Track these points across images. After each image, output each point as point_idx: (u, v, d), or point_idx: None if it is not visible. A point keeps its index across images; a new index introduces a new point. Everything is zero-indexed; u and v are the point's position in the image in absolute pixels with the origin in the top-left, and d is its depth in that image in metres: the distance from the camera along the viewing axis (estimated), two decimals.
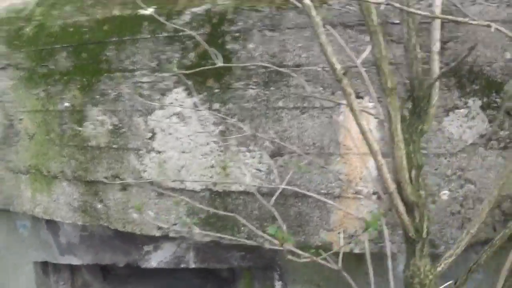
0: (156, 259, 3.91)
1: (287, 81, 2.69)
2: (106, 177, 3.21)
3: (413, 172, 1.77)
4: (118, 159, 3.19)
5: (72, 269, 4.65)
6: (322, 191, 2.64)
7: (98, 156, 3.26)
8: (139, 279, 5.03)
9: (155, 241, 3.87)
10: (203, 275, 4.94)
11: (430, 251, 2.67)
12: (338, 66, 1.70)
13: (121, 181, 3.13)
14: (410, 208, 1.79)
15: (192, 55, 2.87)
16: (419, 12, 1.71)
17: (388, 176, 1.75)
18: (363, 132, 1.72)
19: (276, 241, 2.17)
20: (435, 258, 2.71)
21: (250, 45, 2.78)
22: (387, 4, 1.57)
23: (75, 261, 4.07)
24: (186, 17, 2.98)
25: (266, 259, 3.74)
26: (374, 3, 1.64)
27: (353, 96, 1.72)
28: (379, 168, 1.75)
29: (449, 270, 2.19)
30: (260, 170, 2.81)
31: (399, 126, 1.68)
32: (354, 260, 2.69)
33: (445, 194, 2.61)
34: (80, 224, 3.47)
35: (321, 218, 2.75)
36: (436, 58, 1.89)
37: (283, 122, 2.72)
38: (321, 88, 2.62)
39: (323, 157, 2.64)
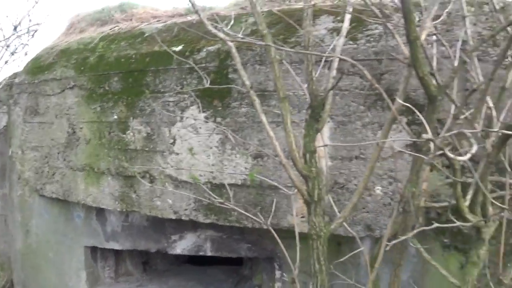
0: (181, 246, 5.24)
1: (268, 102, 3.97)
2: (139, 173, 4.57)
3: (308, 155, 2.99)
4: (149, 159, 4.56)
5: (117, 258, 6.04)
6: (289, 184, 3.84)
7: (134, 157, 4.66)
8: (174, 274, 6.33)
9: (180, 231, 5.21)
10: (228, 273, 6.16)
11: (368, 233, 3.83)
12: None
13: (150, 176, 4.48)
14: (305, 179, 3.01)
15: (205, 82, 4.21)
16: (314, 53, 2.96)
17: (282, 155, 2.99)
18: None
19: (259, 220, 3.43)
20: (373, 239, 3.86)
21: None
22: (296, 52, 2.86)
23: (117, 246, 5.47)
24: (203, 53, 4.36)
25: (268, 251, 4.99)
26: (286, 50, 2.93)
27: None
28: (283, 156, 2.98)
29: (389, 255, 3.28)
30: (246, 168, 4.09)
31: (289, 122, 2.92)
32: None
33: (378, 189, 3.78)
34: (119, 210, 4.82)
35: (288, 205, 3.96)
36: (331, 80, 3.09)
37: (263, 132, 3.99)
38: (291, 108, 3.86)
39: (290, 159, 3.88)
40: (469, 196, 2.81)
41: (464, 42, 3.26)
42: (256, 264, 5.76)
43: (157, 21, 5.30)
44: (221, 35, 2.99)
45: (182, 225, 5.17)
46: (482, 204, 2.87)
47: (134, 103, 4.69)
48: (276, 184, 3.83)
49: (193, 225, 5.14)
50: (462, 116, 2.83)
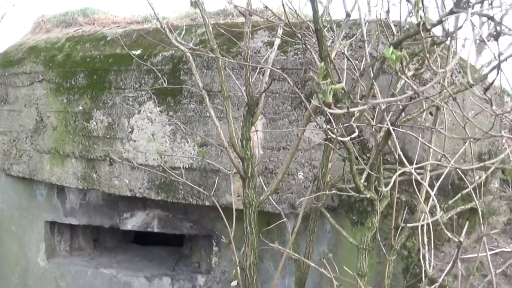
0: (131, 223, 6.11)
1: (213, 100, 4.91)
2: (100, 156, 5.44)
3: (244, 142, 3.95)
4: (109, 144, 5.43)
5: (71, 234, 6.86)
6: (228, 169, 4.79)
7: (96, 142, 5.52)
8: (122, 250, 7.19)
9: (131, 210, 6.09)
10: (170, 252, 7.05)
11: (292, 210, 4.79)
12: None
13: (109, 159, 5.36)
14: (241, 160, 3.96)
15: (160, 81, 5.10)
16: (251, 64, 3.92)
17: (224, 141, 3.94)
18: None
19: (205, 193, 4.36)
20: (296, 216, 4.80)
21: (194, 78, 5.02)
22: (237, 63, 3.82)
23: (75, 221, 6.31)
24: (159, 57, 5.27)
25: (207, 229, 5.92)
26: (230, 62, 3.88)
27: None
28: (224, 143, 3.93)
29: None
30: (192, 154, 5.02)
31: (231, 115, 3.87)
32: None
33: (300, 175, 4.77)
34: (81, 188, 5.67)
35: (227, 186, 4.91)
36: (264, 85, 4.05)
37: (208, 125, 4.94)
38: (232, 106, 4.81)
39: (231, 147, 4.83)
40: (364, 176, 3.80)
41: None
42: (196, 244, 6.68)
43: (117, 26, 6.16)
44: (182, 47, 3.90)
45: (133, 204, 6.06)
46: (376, 183, 3.88)
47: (98, 96, 5.55)
48: (219, 166, 4.80)
49: (143, 205, 6.04)
50: (356, 114, 3.81)
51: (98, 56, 5.67)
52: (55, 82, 5.86)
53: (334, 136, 3.04)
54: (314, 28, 3.67)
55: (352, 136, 3.13)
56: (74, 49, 5.94)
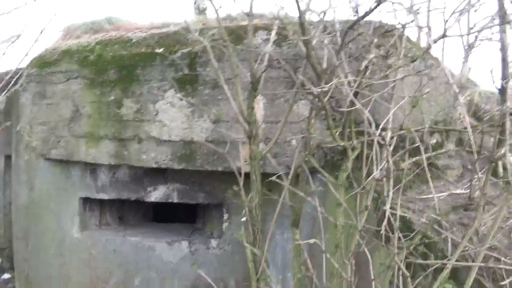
0: (154, 195, 7.46)
1: (223, 87, 6.29)
2: (130, 136, 6.81)
3: (250, 110, 5.32)
4: (138, 126, 6.80)
5: (100, 211, 8.19)
6: (238, 139, 6.14)
7: (126, 125, 6.89)
8: (143, 226, 8.53)
9: (154, 184, 7.44)
10: (185, 227, 8.39)
11: (288, 171, 6.14)
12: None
13: (138, 138, 6.73)
14: (248, 123, 5.33)
15: (179, 73, 6.47)
16: (254, 49, 5.31)
17: (237, 110, 5.31)
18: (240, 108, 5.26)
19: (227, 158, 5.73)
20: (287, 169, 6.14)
21: (208, 69, 6.43)
22: (245, 49, 5.22)
23: (105, 196, 7.66)
24: (179, 54, 6.65)
25: (219, 199, 7.28)
26: (241, 49, 5.28)
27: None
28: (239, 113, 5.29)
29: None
30: (207, 129, 6.39)
31: (239, 89, 5.25)
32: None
33: (293, 141, 6.14)
34: (113, 164, 7.03)
35: (236, 154, 6.27)
36: (262, 68, 5.43)
37: (220, 106, 6.33)
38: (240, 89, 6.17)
39: (238, 123, 6.21)
40: (339, 130, 5.18)
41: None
42: (208, 218, 8.03)
43: (140, 31, 7.57)
44: (202, 39, 5.29)
45: (155, 179, 7.43)
46: (349, 136, 5.26)
47: (127, 88, 6.93)
48: (229, 137, 6.18)
49: (164, 179, 7.41)
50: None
51: (126, 55, 7.07)
52: (89, 78, 7.24)
53: (314, 93, 4.43)
54: (299, 23, 5.08)
55: (326, 97, 4.53)
56: (104, 50, 7.34)
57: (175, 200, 7.47)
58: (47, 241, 8.07)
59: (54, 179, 7.94)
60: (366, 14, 4.83)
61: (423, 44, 7.62)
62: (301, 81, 5.34)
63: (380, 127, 5.19)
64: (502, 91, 5.74)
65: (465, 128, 5.63)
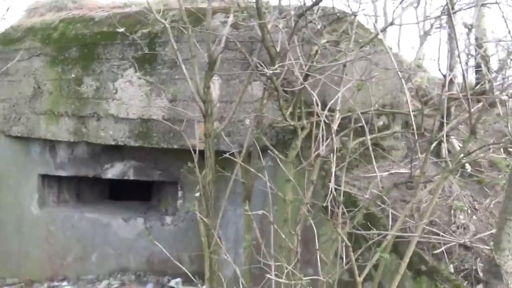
0: (111, 172, 7.68)
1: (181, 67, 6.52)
2: (89, 114, 7.00)
3: (206, 89, 5.55)
4: (97, 104, 7.00)
5: (58, 188, 8.37)
6: (194, 117, 6.36)
7: (86, 103, 7.08)
8: (100, 203, 8.73)
9: (111, 161, 7.65)
10: (140, 205, 8.62)
11: (240, 149, 6.39)
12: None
13: (97, 115, 6.93)
14: (203, 102, 5.57)
15: (139, 52, 6.69)
16: (212, 32, 5.55)
17: (194, 89, 5.56)
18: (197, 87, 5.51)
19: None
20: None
21: (166, 49, 6.64)
22: (205, 32, 5.46)
23: (64, 173, 7.84)
24: (139, 34, 6.87)
25: (174, 177, 7.51)
26: (201, 32, 5.52)
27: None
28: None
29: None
30: (164, 108, 6.62)
31: (196, 69, 5.48)
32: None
33: (247, 121, 6.39)
34: (72, 141, 7.22)
35: (191, 132, 6.49)
36: (219, 49, 5.67)
37: (177, 85, 6.56)
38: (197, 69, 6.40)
39: (194, 102, 6.43)
40: (289, 110, 5.45)
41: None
42: (163, 195, 8.27)
43: (102, 10, 7.77)
44: (162, 20, 5.50)
45: (112, 157, 7.65)
46: (299, 116, 5.53)
47: (88, 66, 7.12)
48: (184, 116, 6.40)
49: (121, 157, 7.63)
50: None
51: (88, 34, 7.25)
52: (51, 55, 7.41)
53: (266, 75, 4.67)
54: (255, 7, 5.32)
55: (279, 79, 4.80)
56: (67, 28, 7.51)
57: (131, 177, 7.69)
58: (6, 217, 8.23)
59: (14, 155, 8.09)
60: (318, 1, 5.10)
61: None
62: (256, 63, 5.57)
63: (327, 108, 5.45)
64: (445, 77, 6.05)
65: (409, 111, 5.92)
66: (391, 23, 5.19)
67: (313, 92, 5.19)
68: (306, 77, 5.28)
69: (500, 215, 4.31)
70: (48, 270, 7.98)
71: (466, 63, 6.32)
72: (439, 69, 5.51)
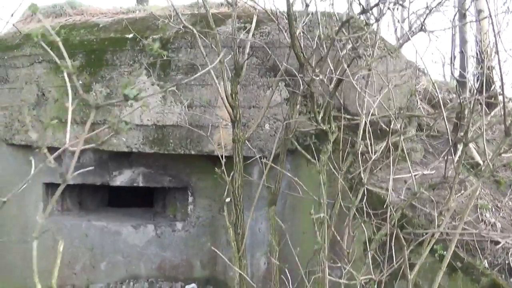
0: (120, 179, 7.64)
1: (196, 72, 6.54)
2: (100, 120, 6.96)
3: (233, 95, 5.60)
4: (108, 111, 6.96)
5: (62, 198, 8.28)
6: (211, 124, 6.42)
7: (97, 110, 7.01)
8: (103, 211, 8.69)
9: (119, 168, 7.62)
10: (144, 211, 8.61)
11: (260, 154, 6.47)
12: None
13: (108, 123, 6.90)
14: (232, 108, 5.61)
15: (151, 58, 6.69)
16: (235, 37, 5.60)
17: (224, 95, 5.60)
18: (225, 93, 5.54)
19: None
20: (265, 157, 6.47)
21: (180, 55, 6.66)
22: (232, 37, 5.49)
23: (70, 181, 7.72)
24: (150, 39, 6.83)
25: (184, 182, 7.53)
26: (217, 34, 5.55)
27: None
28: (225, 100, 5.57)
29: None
30: (180, 114, 6.64)
31: (225, 75, 5.52)
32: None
33: (267, 126, 6.46)
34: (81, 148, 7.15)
35: (209, 137, 6.55)
36: (245, 56, 5.72)
37: (193, 91, 6.58)
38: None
39: (211, 107, 6.48)
40: (321, 115, 5.55)
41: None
42: (169, 201, 8.27)
43: (105, 16, 7.71)
44: (187, 24, 5.52)
45: (121, 164, 7.62)
46: (329, 120, 5.64)
47: (96, 73, 7.08)
48: (203, 122, 6.44)
49: (129, 164, 7.61)
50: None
51: (94, 40, 7.20)
52: (55, 62, 7.30)
53: (305, 81, 4.76)
54: (287, 14, 5.39)
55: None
56: (70, 34, 7.44)
57: (141, 184, 7.69)
58: (10, 228, 8.12)
59: (17, 164, 7.98)
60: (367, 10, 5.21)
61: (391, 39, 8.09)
62: (285, 68, 5.66)
63: (363, 113, 5.59)
64: (461, 83, 6.26)
65: (429, 114, 6.11)
66: (421, 28, 5.32)
67: (339, 97, 5.29)
68: (338, 83, 5.39)
69: None
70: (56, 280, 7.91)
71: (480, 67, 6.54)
72: (452, 73, 5.69)
